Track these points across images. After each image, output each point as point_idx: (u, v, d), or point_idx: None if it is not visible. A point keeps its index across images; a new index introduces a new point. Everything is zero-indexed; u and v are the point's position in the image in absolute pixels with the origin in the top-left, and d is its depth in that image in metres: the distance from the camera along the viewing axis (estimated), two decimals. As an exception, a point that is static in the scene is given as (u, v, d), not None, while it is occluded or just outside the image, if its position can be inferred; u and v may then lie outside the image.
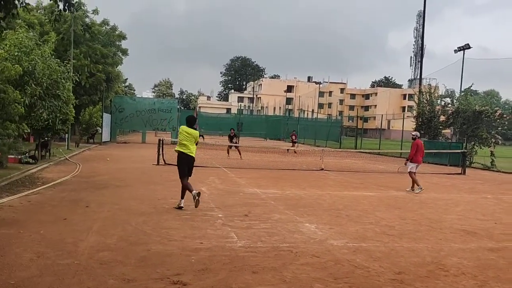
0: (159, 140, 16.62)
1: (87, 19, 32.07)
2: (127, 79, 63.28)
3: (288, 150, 26.45)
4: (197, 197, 8.14)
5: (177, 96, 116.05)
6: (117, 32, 35.07)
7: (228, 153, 21.83)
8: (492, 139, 23.54)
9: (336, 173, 17.00)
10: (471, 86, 27.58)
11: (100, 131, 29.43)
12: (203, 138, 38.75)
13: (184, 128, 8.75)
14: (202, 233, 6.59)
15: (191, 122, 8.81)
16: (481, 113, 23.74)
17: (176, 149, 8.75)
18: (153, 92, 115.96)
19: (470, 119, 24.14)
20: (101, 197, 9.39)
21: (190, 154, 8.61)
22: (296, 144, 28.54)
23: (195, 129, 8.87)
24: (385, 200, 10.93)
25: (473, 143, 24.09)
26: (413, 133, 13.92)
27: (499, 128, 24.23)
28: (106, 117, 30.31)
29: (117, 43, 35.47)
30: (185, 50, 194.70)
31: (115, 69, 35.91)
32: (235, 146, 22.20)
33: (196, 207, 8.19)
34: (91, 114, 28.57)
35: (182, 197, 8.47)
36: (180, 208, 8.29)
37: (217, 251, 5.71)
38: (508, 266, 5.72)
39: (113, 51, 34.52)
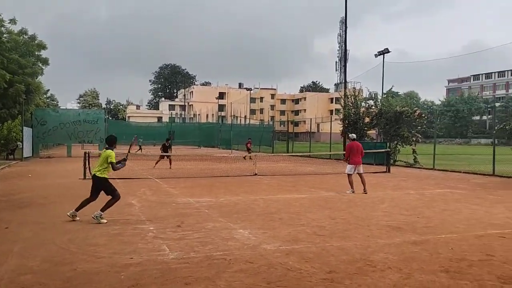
0: (85, 153, 15.90)
1: (3, 29, 30.18)
2: (48, 90, 60.14)
3: (244, 157, 26.69)
4: (70, 217, 8.36)
5: (104, 106, 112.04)
6: (36, 42, 33.32)
7: (156, 163, 21.16)
8: (413, 138, 25.03)
9: (269, 177, 17.22)
10: (392, 88, 29.28)
11: (21, 146, 27.65)
12: (141, 148, 37.63)
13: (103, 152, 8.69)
14: (132, 248, 6.37)
15: (108, 142, 8.73)
16: (402, 114, 25.16)
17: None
18: (79, 103, 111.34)
19: (392, 119, 25.49)
20: (22, 216, 8.82)
21: (95, 173, 8.52)
22: (250, 151, 28.94)
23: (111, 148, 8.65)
24: (316, 201, 11.22)
25: (396, 142, 25.47)
26: (349, 135, 14.29)
27: (418, 127, 25.80)
28: (27, 131, 28.53)
29: (36, 53, 33.68)
30: (111, 58, 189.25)
31: (35, 80, 34.04)
32: (166, 156, 21.67)
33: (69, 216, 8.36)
34: (9, 129, 26.79)
35: (77, 210, 8.46)
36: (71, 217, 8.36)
37: (148, 265, 5.54)
38: (431, 257, 6.06)
39: (32, 61, 32.72)
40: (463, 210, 10.08)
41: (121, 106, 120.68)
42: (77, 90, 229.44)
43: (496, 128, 24.82)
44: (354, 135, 13.98)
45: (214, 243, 6.67)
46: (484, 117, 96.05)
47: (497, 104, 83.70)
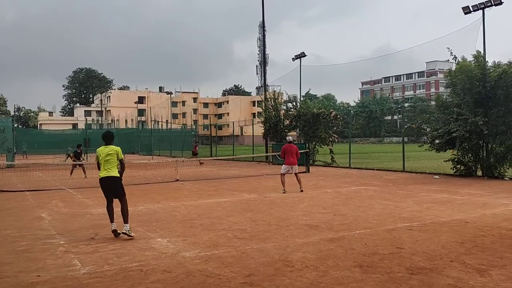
0: (-11, 164, 14.66)
1: None
2: None
3: (201, 162, 26.27)
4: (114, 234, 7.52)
5: (12, 113, 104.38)
6: None
7: (71, 173, 20.07)
8: (330, 138, 26.02)
9: (192, 183, 16.98)
10: (309, 91, 30.23)
11: None
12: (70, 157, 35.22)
13: (100, 149, 7.79)
14: (40, 265, 5.92)
15: (107, 138, 7.82)
16: (319, 115, 26.05)
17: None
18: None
19: (310, 121, 26.30)
20: None
21: (108, 175, 7.64)
22: (197, 155, 28.52)
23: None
24: (238, 204, 11.23)
25: (314, 143, 26.31)
26: (286, 138, 14.99)
27: (334, 128, 26.90)
28: None
29: None
30: (20, 62, 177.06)
31: None
32: (79, 165, 20.57)
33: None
34: None
35: (112, 221, 7.66)
36: (116, 234, 7.49)
37: (57, 282, 5.17)
38: (345, 253, 6.27)
39: None
40: (376, 205, 10.61)
41: (32, 113, 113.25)
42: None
43: (405, 127, 26.54)
44: (290, 138, 14.99)
45: (130, 254, 6.40)
46: (395, 117, 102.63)
47: (406, 105, 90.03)
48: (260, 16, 32.17)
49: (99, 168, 7.82)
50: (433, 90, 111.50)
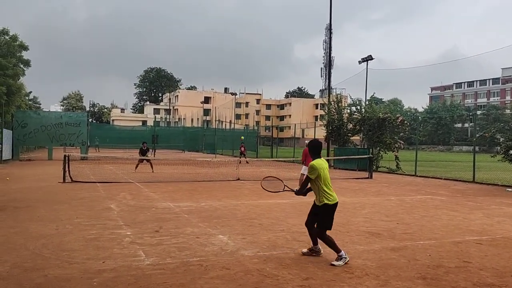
0: (65, 156, 15.63)
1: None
2: (31, 92, 59.26)
3: (240, 161, 26.72)
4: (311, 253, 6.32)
5: (88, 109, 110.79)
6: (17, 42, 32.84)
7: (136, 167, 20.76)
8: (396, 144, 25.21)
9: (252, 182, 17.12)
10: (373, 95, 29.46)
11: (0, 149, 27.11)
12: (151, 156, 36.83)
13: (319, 164, 6.13)
14: (108, 253, 6.23)
15: (317, 150, 6.40)
16: (385, 120, 25.34)
17: (326, 201, 6.12)
18: (62, 105, 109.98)
19: (375, 125, 25.65)
20: (-5, 220, 8.58)
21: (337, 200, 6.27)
22: (245, 155, 29.07)
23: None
24: (298, 206, 11.16)
25: (378, 148, 25.62)
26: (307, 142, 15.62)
27: (401, 134, 26.03)
28: (7, 133, 27.99)
29: (17, 54, 33.18)
30: (95, 61, 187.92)
31: (17, 82, 33.49)
32: (146, 160, 21.33)
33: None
34: (-11, 131, 26.23)
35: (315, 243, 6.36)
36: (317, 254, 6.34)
37: (122, 271, 5.42)
38: (408, 264, 6.05)
39: (13, 62, 32.18)
40: (442, 216, 10.14)
41: (105, 109, 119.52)
42: (61, 93, 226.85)
43: (477, 135, 25.16)
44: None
45: (192, 249, 6.57)
46: (466, 125, 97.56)
47: (478, 112, 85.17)
48: (322, 18, 31.97)
49: (302, 187, 6.45)
50: (508, 98, 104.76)
